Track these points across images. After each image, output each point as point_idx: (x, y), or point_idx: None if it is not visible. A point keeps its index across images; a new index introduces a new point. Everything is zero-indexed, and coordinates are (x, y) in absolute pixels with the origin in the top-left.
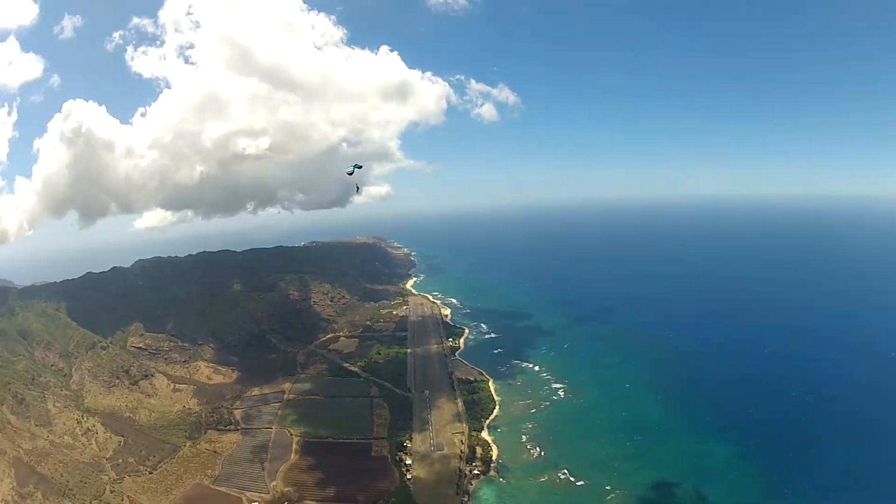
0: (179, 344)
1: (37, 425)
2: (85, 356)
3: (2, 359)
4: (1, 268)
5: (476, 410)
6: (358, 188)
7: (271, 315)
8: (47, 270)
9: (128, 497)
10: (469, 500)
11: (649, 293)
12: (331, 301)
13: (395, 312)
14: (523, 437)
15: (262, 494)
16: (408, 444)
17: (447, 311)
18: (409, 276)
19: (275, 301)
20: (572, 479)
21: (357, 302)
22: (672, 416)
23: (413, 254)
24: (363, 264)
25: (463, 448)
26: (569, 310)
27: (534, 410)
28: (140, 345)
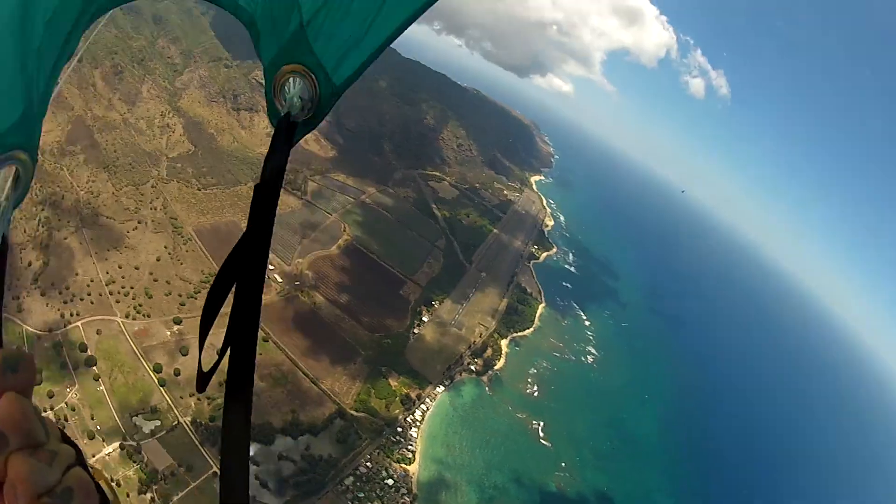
0: None
1: (119, 99)
2: (205, 64)
3: (122, 31)
4: None
5: (513, 319)
6: None
7: (397, 125)
8: None
9: (164, 197)
10: (448, 385)
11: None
12: (457, 146)
13: (505, 192)
14: (532, 370)
15: (283, 264)
16: (436, 304)
17: (550, 223)
18: (538, 172)
19: (408, 115)
20: (541, 434)
21: (480, 162)
22: (660, 450)
23: (556, 157)
24: (506, 135)
25: (478, 340)
26: (652, 299)
27: (557, 355)
28: (262, 80)
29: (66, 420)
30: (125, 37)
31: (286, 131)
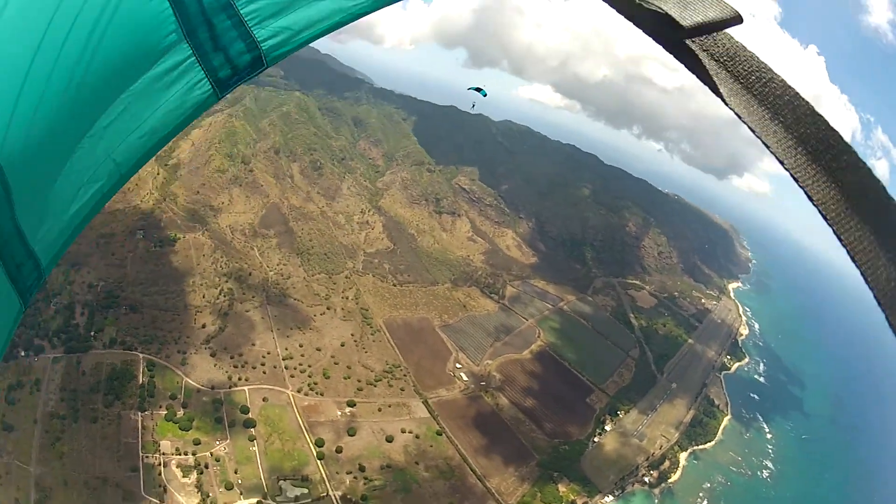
0: (502, 206)
1: (318, 193)
2: (407, 167)
3: (322, 131)
4: (367, 66)
5: (696, 431)
6: (473, 105)
7: (599, 232)
8: (412, 86)
9: (357, 288)
10: (618, 495)
11: None
12: (657, 254)
13: (703, 301)
14: (707, 484)
15: (472, 364)
16: (621, 414)
17: (745, 331)
18: (736, 279)
19: (611, 222)
20: None
21: (679, 270)
22: None
23: (753, 262)
24: (704, 241)
25: (657, 452)
26: (837, 409)
27: (734, 469)
28: (465, 186)
29: (204, 467)
30: (324, 136)
31: None
